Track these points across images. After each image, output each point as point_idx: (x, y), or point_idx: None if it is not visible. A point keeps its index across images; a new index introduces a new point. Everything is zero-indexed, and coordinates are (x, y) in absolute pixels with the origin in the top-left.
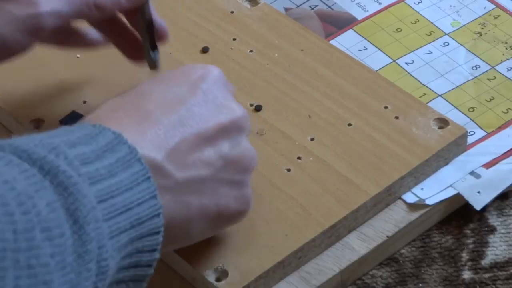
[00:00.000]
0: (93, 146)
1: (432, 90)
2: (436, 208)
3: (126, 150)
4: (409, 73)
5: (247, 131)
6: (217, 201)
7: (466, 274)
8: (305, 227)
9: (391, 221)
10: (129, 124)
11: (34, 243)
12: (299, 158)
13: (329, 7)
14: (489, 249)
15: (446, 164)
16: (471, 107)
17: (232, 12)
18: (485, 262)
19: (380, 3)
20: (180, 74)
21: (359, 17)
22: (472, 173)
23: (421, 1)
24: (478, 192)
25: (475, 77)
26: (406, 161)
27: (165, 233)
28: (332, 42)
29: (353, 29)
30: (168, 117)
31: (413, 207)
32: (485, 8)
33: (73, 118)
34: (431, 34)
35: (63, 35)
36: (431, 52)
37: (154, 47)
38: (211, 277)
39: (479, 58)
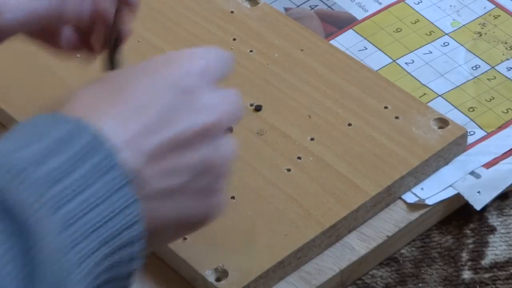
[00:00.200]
0: (68, 153)
1: (432, 90)
2: (436, 208)
3: (104, 154)
4: (409, 73)
5: (235, 121)
6: (189, 208)
7: (466, 274)
8: (305, 227)
9: (391, 221)
10: (107, 121)
11: None
12: (299, 158)
13: (329, 7)
14: (489, 249)
15: (446, 164)
16: (471, 107)
17: (232, 12)
18: (485, 262)
19: (380, 3)
20: (163, 65)
21: (359, 17)
22: (472, 173)
23: (421, 1)
24: (478, 192)
25: (475, 77)
26: (406, 161)
27: None
28: (332, 42)
29: (353, 29)
30: (149, 116)
31: (413, 207)
32: (485, 8)
33: None
34: (431, 34)
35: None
36: (431, 52)
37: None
38: (211, 277)
39: (479, 58)
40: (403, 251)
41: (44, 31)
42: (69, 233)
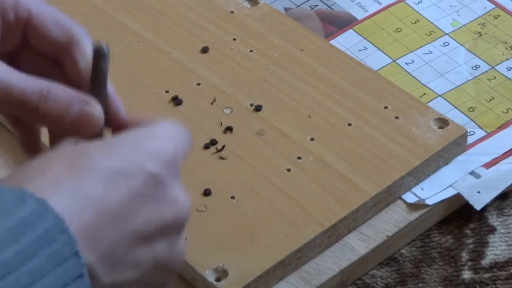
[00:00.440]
0: (25, 240)
1: (432, 90)
2: (436, 208)
3: (62, 243)
4: (409, 73)
5: (186, 223)
6: None
7: (466, 274)
8: (305, 227)
9: (391, 221)
10: (68, 205)
11: None
12: (299, 158)
13: (329, 7)
14: (489, 249)
15: (446, 164)
16: (471, 107)
17: (232, 12)
18: (485, 262)
19: (380, 3)
20: (131, 147)
21: (359, 17)
22: (472, 173)
23: (421, 1)
24: (478, 192)
25: (475, 77)
26: (406, 161)
27: None
28: (332, 42)
29: (353, 29)
30: (111, 204)
31: (413, 207)
32: (485, 8)
33: None
34: (431, 34)
35: None
36: (431, 52)
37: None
38: (211, 277)
39: (479, 58)
40: (403, 251)
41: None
42: None
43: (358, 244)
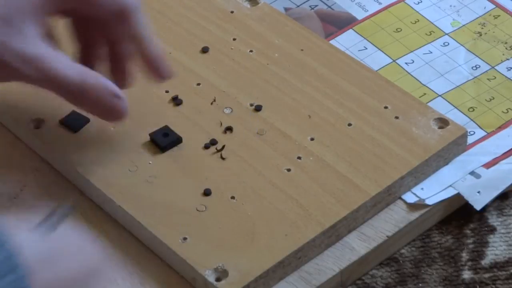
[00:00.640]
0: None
1: (432, 90)
2: (436, 208)
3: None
4: (409, 73)
5: None
6: None
7: (466, 274)
8: (305, 227)
9: (391, 221)
10: None
11: None
12: (299, 158)
13: (329, 7)
14: (489, 249)
15: (446, 164)
16: (471, 107)
17: (232, 12)
18: (485, 262)
19: (380, 3)
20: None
21: (359, 17)
22: (472, 173)
23: (421, 1)
24: (478, 192)
25: (475, 77)
26: (406, 161)
27: None
28: (332, 42)
29: (353, 29)
30: None
31: (413, 207)
32: (485, 8)
33: (73, 118)
34: (431, 34)
35: None
36: (431, 52)
37: None
38: (211, 277)
39: (479, 58)
40: (403, 251)
41: None
42: None
43: (358, 244)
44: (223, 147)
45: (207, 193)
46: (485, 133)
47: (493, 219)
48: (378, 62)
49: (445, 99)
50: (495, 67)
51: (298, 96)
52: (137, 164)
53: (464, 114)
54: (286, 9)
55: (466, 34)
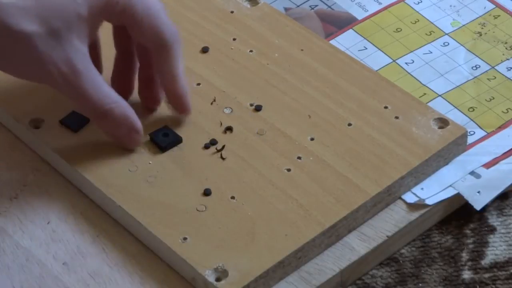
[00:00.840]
0: None
1: (432, 90)
2: (436, 208)
3: None
4: (409, 73)
5: None
6: None
7: (466, 274)
8: (305, 227)
9: (391, 221)
10: None
11: None
12: (299, 158)
13: (329, 7)
14: (489, 249)
15: (446, 164)
16: (471, 107)
17: (232, 12)
18: (485, 262)
19: (380, 3)
20: None
21: (359, 17)
22: (472, 173)
23: (421, 1)
24: (478, 192)
25: (475, 77)
26: (406, 161)
27: None
28: (332, 42)
29: (353, 29)
30: None
31: (413, 207)
32: (485, 8)
33: (73, 118)
34: (431, 34)
35: None
36: (431, 52)
37: None
38: (211, 277)
39: (479, 58)
40: (403, 251)
41: None
42: None
43: (358, 244)
44: (223, 147)
45: (207, 193)
46: (485, 133)
47: (493, 219)
48: (378, 62)
49: (445, 99)
50: (495, 67)
51: (298, 96)
52: (137, 164)
53: (464, 114)
54: (286, 9)
55: (466, 34)
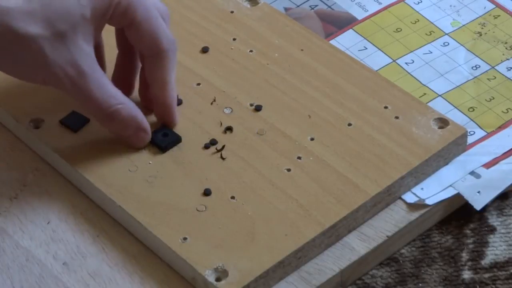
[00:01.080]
0: None
1: (432, 90)
2: (436, 208)
3: None
4: (409, 73)
5: None
6: None
7: (466, 274)
8: (305, 227)
9: (391, 221)
10: None
11: None
12: (299, 158)
13: (329, 7)
14: (489, 249)
15: (446, 164)
16: (471, 107)
17: (232, 12)
18: (485, 262)
19: (380, 3)
20: None
21: (359, 17)
22: (472, 173)
23: (421, 1)
24: (478, 192)
25: (475, 77)
26: (406, 161)
27: None
28: (332, 42)
29: (353, 29)
30: None
31: (413, 207)
32: (485, 8)
33: (73, 118)
34: (431, 34)
35: None
36: (431, 52)
37: None
38: (211, 277)
39: (479, 58)
40: (403, 251)
41: None
42: None
43: (358, 244)
44: (223, 147)
45: (207, 193)
46: (485, 133)
47: (493, 219)
48: (378, 62)
49: (445, 99)
50: (495, 67)
51: (298, 96)
52: (137, 164)
53: (464, 114)
54: (286, 9)
55: (466, 34)
